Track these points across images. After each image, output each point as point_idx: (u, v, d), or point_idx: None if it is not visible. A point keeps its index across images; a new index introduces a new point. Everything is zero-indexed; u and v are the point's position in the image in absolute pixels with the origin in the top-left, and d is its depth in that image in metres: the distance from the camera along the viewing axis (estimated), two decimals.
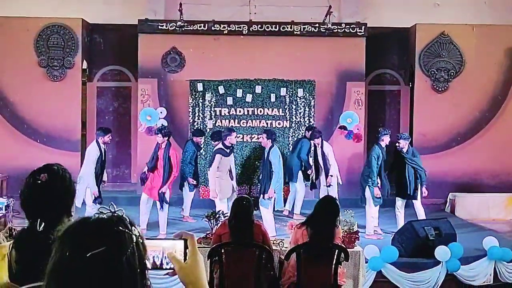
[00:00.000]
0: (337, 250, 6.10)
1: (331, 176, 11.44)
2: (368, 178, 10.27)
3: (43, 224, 2.53)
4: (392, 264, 8.23)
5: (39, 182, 2.58)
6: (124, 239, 1.46)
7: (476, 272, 8.53)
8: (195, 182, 11.29)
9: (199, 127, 12.87)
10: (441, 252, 8.26)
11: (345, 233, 7.29)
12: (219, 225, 7.13)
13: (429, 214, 10.79)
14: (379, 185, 10.29)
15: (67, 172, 2.69)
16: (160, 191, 9.88)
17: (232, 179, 10.44)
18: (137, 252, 1.48)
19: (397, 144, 10.44)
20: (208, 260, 6.11)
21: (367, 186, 10.31)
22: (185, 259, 1.83)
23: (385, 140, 10.43)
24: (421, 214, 10.34)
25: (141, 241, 1.50)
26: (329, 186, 11.35)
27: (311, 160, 11.98)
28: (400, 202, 10.45)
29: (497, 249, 8.64)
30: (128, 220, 1.52)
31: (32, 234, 2.54)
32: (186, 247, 1.85)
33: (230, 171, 10.38)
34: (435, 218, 9.76)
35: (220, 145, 10.31)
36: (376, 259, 8.13)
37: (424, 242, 8.52)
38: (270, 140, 10.15)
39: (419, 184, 10.32)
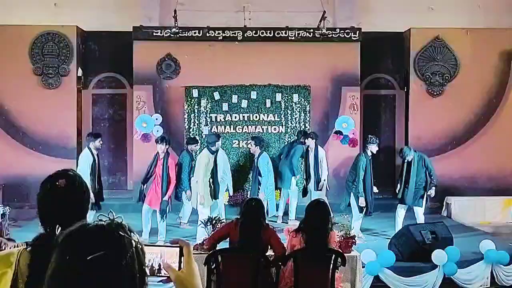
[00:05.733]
0: (334, 255, 6.09)
1: (325, 180, 11.44)
2: (353, 186, 10.23)
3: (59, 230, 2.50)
4: (389, 268, 8.23)
5: (58, 187, 2.57)
6: (124, 244, 1.47)
7: (473, 276, 8.55)
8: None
9: (194, 134, 12.87)
10: (438, 256, 8.27)
11: (342, 238, 7.28)
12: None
13: (425, 218, 10.78)
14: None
15: (82, 178, 2.68)
16: (162, 200, 9.84)
17: (212, 186, 10.10)
18: (137, 257, 1.48)
19: (408, 159, 10.28)
20: (205, 266, 6.09)
21: (351, 194, 10.28)
22: (179, 267, 1.84)
23: (372, 149, 10.28)
24: (420, 221, 10.31)
25: (140, 246, 1.51)
26: (320, 190, 11.34)
27: (302, 166, 11.98)
28: (402, 210, 10.41)
29: (493, 252, 8.66)
30: (127, 226, 1.52)
31: (50, 241, 2.50)
32: (181, 254, 1.85)
33: (213, 177, 10.08)
34: (432, 222, 9.76)
35: (206, 150, 10.05)
36: (373, 264, 8.13)
37: (421, 246, 8.55)
38: (258, 147, 10.14)
39: (427, 190, 10.26)
